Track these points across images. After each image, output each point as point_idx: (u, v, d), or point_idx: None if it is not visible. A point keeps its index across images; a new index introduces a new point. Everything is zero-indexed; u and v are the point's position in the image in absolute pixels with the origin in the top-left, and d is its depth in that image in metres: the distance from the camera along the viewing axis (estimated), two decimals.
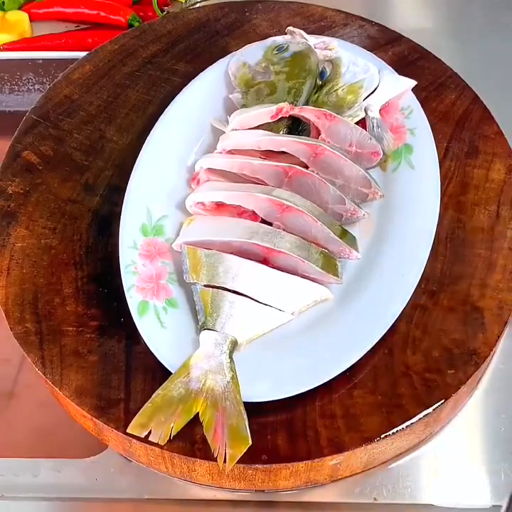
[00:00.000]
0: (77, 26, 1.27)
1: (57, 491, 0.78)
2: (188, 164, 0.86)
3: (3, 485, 0.78)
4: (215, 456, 0.69)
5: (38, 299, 0.79)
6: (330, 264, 0.77)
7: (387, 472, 0.78)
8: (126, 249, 0.80)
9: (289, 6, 1.04)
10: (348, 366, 0.73)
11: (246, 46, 0.93)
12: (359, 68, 0.88)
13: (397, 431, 0.72)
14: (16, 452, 0.83)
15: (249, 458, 0.70)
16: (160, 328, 0.76)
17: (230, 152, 0.83)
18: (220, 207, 0.80)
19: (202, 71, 0.94)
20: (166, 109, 0.90)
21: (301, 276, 0.76)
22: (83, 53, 1.00)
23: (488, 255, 0.82)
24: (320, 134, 0.83)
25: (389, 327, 0.75)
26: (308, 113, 0.83)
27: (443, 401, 0.73)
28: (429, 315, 0.78)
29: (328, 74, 0.89)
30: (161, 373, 0.74)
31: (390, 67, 0.91)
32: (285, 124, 0.85)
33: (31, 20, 1.25)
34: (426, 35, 1.08)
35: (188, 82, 0.92)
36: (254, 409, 0.71)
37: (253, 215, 0.79)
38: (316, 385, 0.72)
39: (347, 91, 0.87)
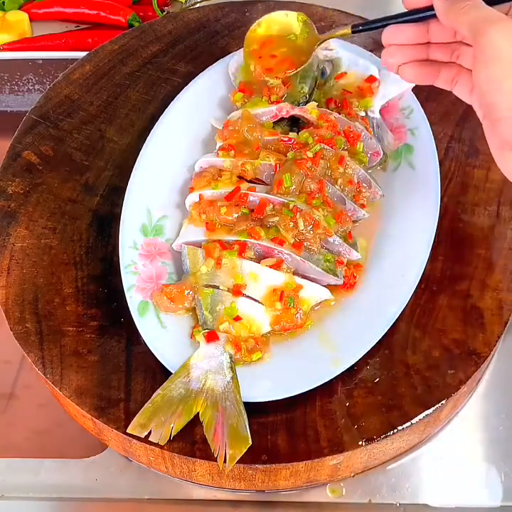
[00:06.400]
0: (77, 26, 1.27)
1: (58, 491, 0.78)
2: (188, 164, 0.86)
3: (4, 485, 0.78)
4: (215, 456, 0.69)
5: (38, 299, 0.80)
6: (330, 264, 0.77)
7: (387, 472, 0.78)
8: (127, 249, 0.80)
9: (289, 6, 1.03)
10: (347, 366, 0.73)
11: None
12: (359, 68, 0.88)
13: (397, 431, 0.72)
14: (17, 452, 0.83)
15: (249, 458, 0.70)
16: (160, 328, 0.76)
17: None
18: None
19: (202, 71, 0.94)
20: (166, 109, 0.90)
21: (301, 277, 0.76)
22: (83, 53, 1.00)
23: (488, 255, 0.82)
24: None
25: (389, 327, 0.75)
26: (308, 113, 0.83)
27: (443, 401, 0.73)
28: (429, 315, 0.78)
29: (328, 73, 0.89)
30: (161, 373, 0.74)
31: None
32: (285, 123, 0.85)
33: (31, 20, 1.25)
34: None
35: (188, 82, 0.93)
36: (254, 409, 0.71)
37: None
38: (316, 385, 0.72)
39: None
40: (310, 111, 0.83)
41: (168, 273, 0.80)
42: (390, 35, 0.73)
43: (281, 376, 0.73)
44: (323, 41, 0.84)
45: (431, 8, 0.69)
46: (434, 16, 0.69)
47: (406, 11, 0.72)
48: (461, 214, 0.85)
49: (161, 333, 0.75)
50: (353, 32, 0.78)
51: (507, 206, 0.85)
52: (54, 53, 1.15)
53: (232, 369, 0.73)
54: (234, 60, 0.91)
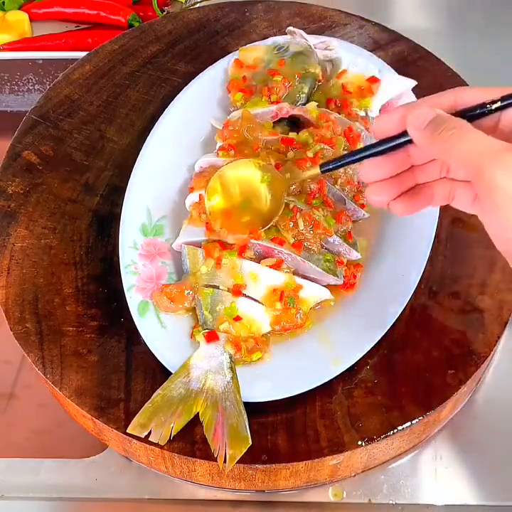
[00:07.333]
0: (77, 26, 1.27)
1: (58, 491, 0.78)
2: (188, 164, 0.86)
3: (4, 485, 0.78)
4: (215, 456, 0.69)
5: (38, 299, 0.80)
6: (330, 264, 0.77)
7: (387, 472, 0.78)
8: (127, 249, 0.80)
9: (289, 6, 1.04)
10: (347, 366, 0.73)
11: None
12: (359, 68, 0.88)
13: (397, 431, 0.72)
14: (17, 452, 0.83)
15: (249, 458, 0.70)
16: (160, 328, 0.76)
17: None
18: None
19: (202, 71, 0.94)
20: (166, 109, 0.90)
21: (301, 277, 0.76)
22: (83, 53, 1.00)
23: (488, 255, 0.82)
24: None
25: (389, 327, 0.75)
26: (308, 113, 0.83)
27: (443, 401, 0.73)
28: (429, 315, 0.78)
29: (328, 73, 0.89)
30: (161, 373, 0.74)
31: (390, 67, 0.91)
32: (285, 123, 0.85)
33: (31, 20, 1.25)
34: (426, 35, 1.08)
35: (188, 82, 0.93)
36: (254, 409, 0.71)
37: None
38: (316, 385, 0.72)
39: None
40: (310, 111, 0.83)
41: (168, 273, 0.80)
42: (367, 172, 0.64)
43: (281, 376, 0.73)
44: (293, 183, 0.76)
45: (406, 133, 0.60)
46: (411, 141, 0.60)
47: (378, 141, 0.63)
48: (461, 214, 0.85)
49: (161, 333, 0.75)
50: (322, 171, 0.69)
51: None
52: (54, 53, 1.15)
53: (232, 369, 0.73)
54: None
